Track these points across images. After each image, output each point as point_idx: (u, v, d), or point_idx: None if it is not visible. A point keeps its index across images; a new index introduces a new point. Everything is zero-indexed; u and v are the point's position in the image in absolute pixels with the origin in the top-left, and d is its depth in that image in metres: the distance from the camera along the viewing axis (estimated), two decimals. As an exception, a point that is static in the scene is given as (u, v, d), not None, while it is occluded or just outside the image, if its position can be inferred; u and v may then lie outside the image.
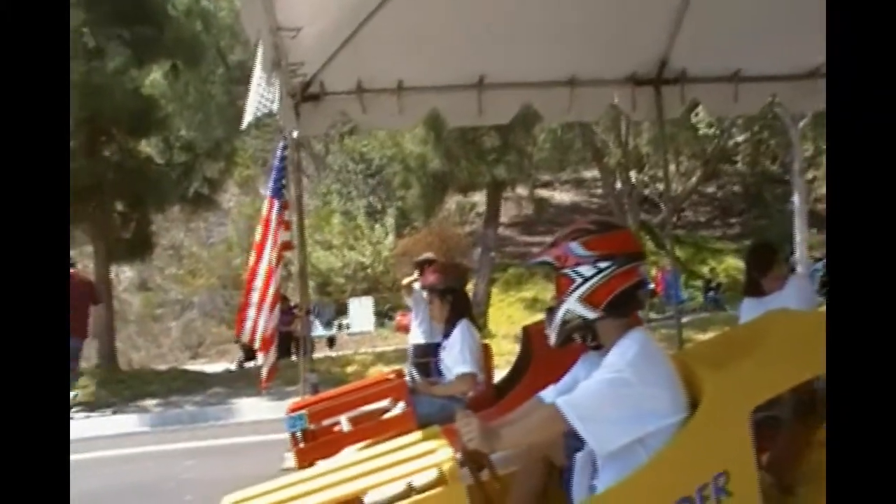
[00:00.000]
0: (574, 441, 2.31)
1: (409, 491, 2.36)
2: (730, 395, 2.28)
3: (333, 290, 18.73)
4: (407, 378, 5.04)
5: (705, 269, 19.91)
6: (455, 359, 4.63)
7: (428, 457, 2.28)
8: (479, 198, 18.38)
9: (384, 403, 4.68)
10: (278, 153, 6.58)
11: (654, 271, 17.92)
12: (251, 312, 6.20)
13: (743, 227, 23.82)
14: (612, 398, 2.20)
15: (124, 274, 17.65)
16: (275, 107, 5.04)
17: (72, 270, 10.57)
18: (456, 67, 5.75)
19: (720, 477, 2.24)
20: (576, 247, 2.36)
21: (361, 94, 5.79)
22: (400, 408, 4.49)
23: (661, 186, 24.11)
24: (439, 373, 5.00)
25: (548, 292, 17.95)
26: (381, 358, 13.03)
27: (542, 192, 25.05)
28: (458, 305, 4.86)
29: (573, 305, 2.35)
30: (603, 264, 2.33)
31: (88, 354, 14.27)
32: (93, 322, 10.63)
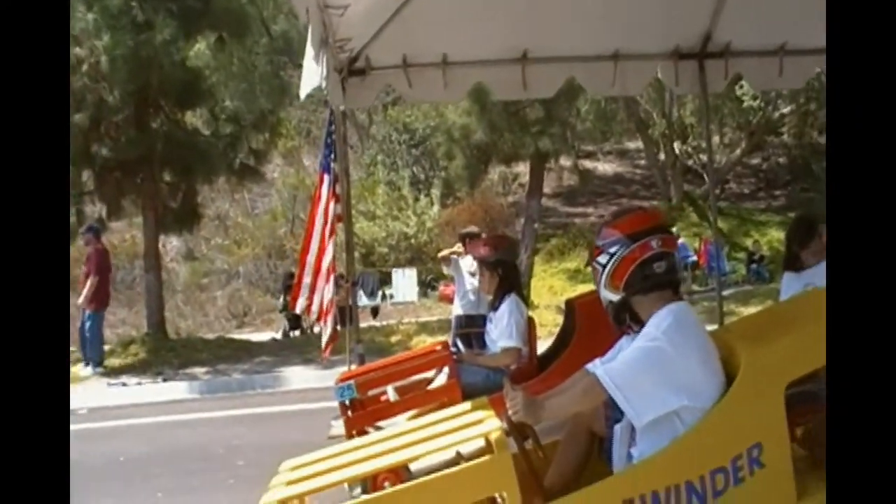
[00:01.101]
0: (614, 411, 2.41)
1: (458, 459, 2.48)
2: (765, 370, 2.35)
3: (377, 261, 18.90)
4: (452, 349, 5.17)
5: (749, 242, 19.64)
6: (501, 332, 4.74)
7: (476, 427, 2.40)
8: (522, 168, 18.33)
9: (430, 374, 4.85)
10: (327, 128, 6.70)
11: (696, 243, 17.76)
12: (306, 285, 6.35)
13: (788, 200, 23.40)
14: (648, 368, 2.30)
15: (171, 244, 18.01)
16: (323, 83, 5.15)
17: (92, 242, 10.95)
18: (500, 42, 5.81)
19: (754, 448, 2.32)
20: (599, 239, 2.52)
21: (407, 68, 5.90)
22: (445, 378, 4.64)
23: (704, 157, 23.85)
24: (482, 344, 5.12)
25: (590, 263, 17.97)
26: (424, 328, 13.19)
27: (586, 163, 24.85)
28: (507, 279, 4.96)
29: (603, 293, 2.52)
30: (612, 249, 2.47)
31: (139, 322, 14.73)
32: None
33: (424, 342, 10.90)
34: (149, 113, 12.28)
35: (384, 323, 14.89)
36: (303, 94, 5.24)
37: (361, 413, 4.49)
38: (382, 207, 19.77)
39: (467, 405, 2.70)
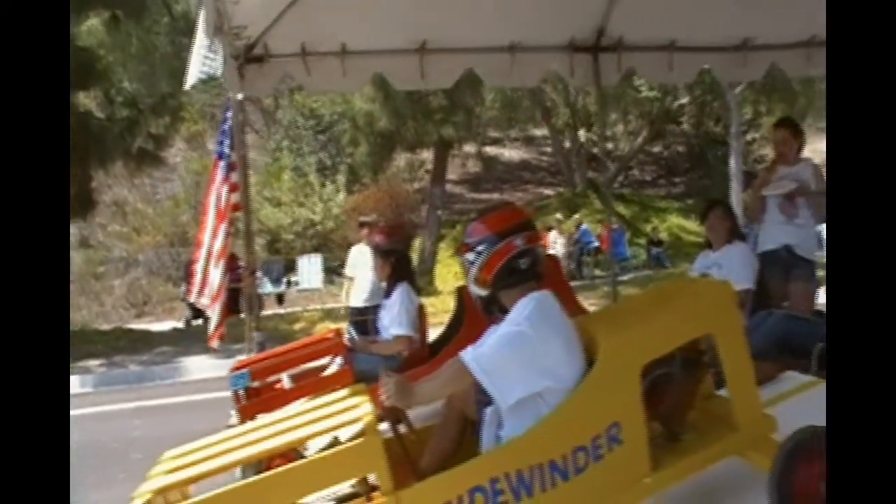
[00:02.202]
0: (484, 395, 2.53)
1: (336, 443, 2.57)
2: (621, 354, 2.51)
3: (283, 247, 18.69)
4: (346, 337, 5.24)
5: (650, 228, 20.33)
6: (393, 320, 4.83)
7: (350, 412, 2.49)
8: (428, 155, 18.46)
9: (325, 361, 4.90)
10: (224, 115, 6.64)
11: (599, 229, 18.28)
12: (199, 270, 6.31)
13: (687, 187, 24.30)
14: (512, 352, 2.43)
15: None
16: (219, 71, 5.11)
17: None
18: (399, 32, 5.87)
19: (613, 427, 2.48)
20: (466, 237, 2.66)
21: (305, 56, 5.90)
22: (338, 365, 4.71)
23: (608, 146, 24.53)
24: (378, 331, 5.21)
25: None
26: (329, 315, 13.17)
27: (492, 150, 25.21)
28: (399, 268, 5.04)
29: (472, 287, 2.66)
30: (480, 247, 2.60)
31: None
32: None
33: (328, 328, 10.92)
34: (37, 95, 11.77)
35: (289, 310, 14.80)
36: (189, 82, 5.20)
37: (255, 401, 4.51)
38: (288, 194, 19.54)
39: (346, 391, 2.79)
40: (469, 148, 23.39)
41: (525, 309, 2.49)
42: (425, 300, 11.06)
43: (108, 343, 11.85)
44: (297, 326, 12.19)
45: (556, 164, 24.79)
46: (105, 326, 13.89)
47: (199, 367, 10.26)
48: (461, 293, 5.10)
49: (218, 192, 6.22)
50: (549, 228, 17.23)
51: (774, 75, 7.58)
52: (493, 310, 2.63)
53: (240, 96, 6.35)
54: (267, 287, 15.77)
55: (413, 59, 6.07)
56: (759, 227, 5.63)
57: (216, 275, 6.14)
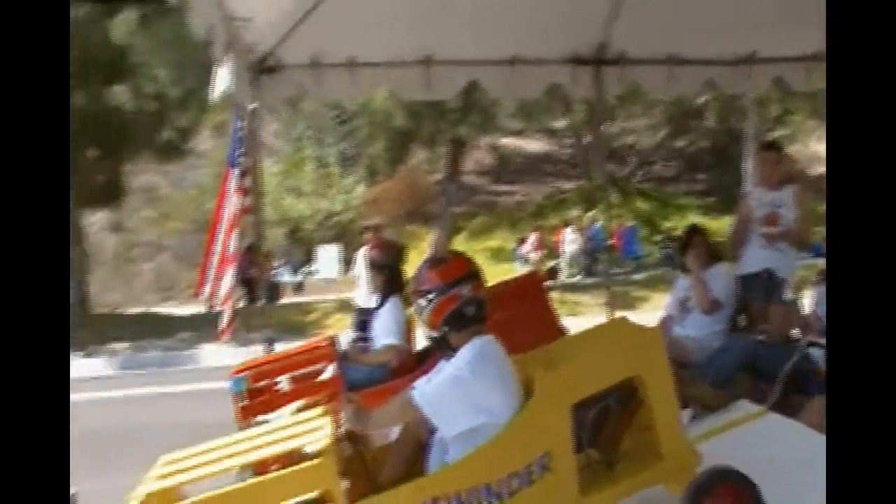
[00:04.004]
0: (432, 424, 2.90)
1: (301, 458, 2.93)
2: (554, 392, 2.84)
3: (304, 237, 19.18)
4: (345, 343, 5.61)
5: (669, 225, 20.35)
6: (383, 329, 5.19)
7: (313, 433, 2.86)
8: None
9: (320, 366, 5.28)
10: (235, 124, 7.01)
11: (612, 225, 18.41)
12: (210, 275, 6.71)
13: (709, 184, 24.22)
14: (452, 392, 2.79)
15: (97, 215, 17.95)
16: (232, 87, 5.45)
17: None
18: (405, 45, 6.15)
19: (543, 457, 2.82)
20: (417, 284, 2.97)
21: (316, 68, 6.26)
22: (330, 372, 5.09)
23: (629, 139, 24.58)
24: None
25: (512, 242, 18.53)
26: (344, 306, 13.56)
27: (514, 142, 25.39)
28: (391, 281, 5.38)
29: (423, 328, 2.98)
30: (430, 295, 2.91)
31: (62, 296, 14.77)
32: None
33: (341, 321, 11.33)
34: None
35: (307, 299, 15.24)
36: (215, 95, 5.55)
37: (252, 403, 4.90)
38: (310, 184, 19.98)
39: (319, 410, 3.16)
40: (490, 139, 23.62)
41: (468, 354, 2.84)
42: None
43: (134, 327, 12.40)
44: (311, 318, 12.61)
45: (576, 158, 24.88)
46: (133, 310, 14.43)
47: (215, 354, 10.68)
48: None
49: (230, 200, 6.61)
50: (567, 224, 17.43)
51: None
52: (443, 347, 2.98)
53: (252, 106, 6.73)
54: (286, 276, 16.25)
55: (419, 71, 6.35)
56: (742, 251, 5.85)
57: (227, 278, 6.53)
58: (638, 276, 15.19)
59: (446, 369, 2.87)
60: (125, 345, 11.49)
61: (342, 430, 2.93)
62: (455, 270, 2.96)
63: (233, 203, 6.61)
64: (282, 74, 6.30)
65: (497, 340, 2.96)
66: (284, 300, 15.84)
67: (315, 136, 21.96)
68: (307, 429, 2.93)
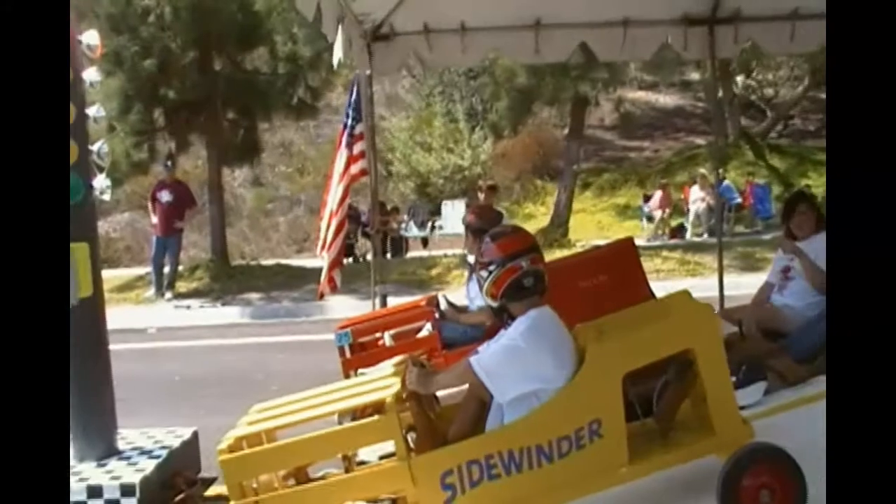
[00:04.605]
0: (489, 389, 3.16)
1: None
2: (604, 362, 3.05)
3: (432, 192, 19.67)
4: (443, 303, 5.93)
5: (805, 183, 19.41)
6: (479, 292, 5.46)
7: (382, 391, 3.18)
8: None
9: (420, 324, 5.63)
10: (351, 89, 7.43)
11: (744, 183, 17.80)
12: (322, 228, 7.22)
13: (855, 137, 22.78)
14: (507, 361, 3.05)
15: (239, 171, 19.00)
16: (342, 56, 5.78)
17: (172, 178, 12.11)
18: (514, 10, 6.32)
19: (594, 423, 3.03)
20: (481, 256, 3.24)
21: (428, 34, 6.51)
22: (428, 330, 5.43)
23: (768, 92, 23.44)
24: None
25: (639, 199, 18.26)
26: (465, 262, 13.92)
27: (646, 95, 24.79)
28: None
29: (485, 298, 3.25)
30: (492, 266, 3.17)
31: (206, 248, 15.97)
32: (187, 220, 12.37)
33: (460, 276, 11.67)
34: (211, 56, 13.17)
35: (432, 253, 15.72)
36: (335, 62, 5.91)
37: (356, 357, 5.32)
38: (439, 139, 20.36)
39: (389, 369, 3.48)
40: (623, 93, 23.14)
41: (521, 325, 3.08)
42: (557, 252, 11.59)
43: (268, 278, 13.24)
44: (434, 272, 13.01)
45: (710, 112, 23.98)
46: (269, 261, 15.34)
47: (342, 306, 11.29)
48: (543, 271, 5.64)
49: (345, 163, 7.04)
50: (694, 181, 17.02)
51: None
52: (503, 317, 3.21)
53: (368, 72, 7.08)
54: (413, 231, 16.78)
55: (528, 35, 6.51)
56: None
57: (333, 234, 7.01)
58: (767, 237, 14.62)
59: (502, 340, 3.11)
60: (259, 295, 12.30)
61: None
62: (515, 244, 3.20)
63: (346, 166, 7.05)
64: (395, 42, 6.63)
65: (552, 312, 3.17)
66: (412, 253, 16.45)
67: (445, 92, 22.27)
68: (380, 386, 3.25)
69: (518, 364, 3.04)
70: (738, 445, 3.05)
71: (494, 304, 3.21)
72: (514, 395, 3.06)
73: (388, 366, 3.89)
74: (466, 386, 3.37)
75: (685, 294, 3.38)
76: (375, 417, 3.02)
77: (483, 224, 5.76)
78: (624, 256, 5.41)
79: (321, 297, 7.67)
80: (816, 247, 5.21)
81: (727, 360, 4.06)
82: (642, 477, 3.08)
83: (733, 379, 3.92)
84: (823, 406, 3.73)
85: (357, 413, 3.51)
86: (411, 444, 3.17)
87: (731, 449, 3.04)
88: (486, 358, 3.09)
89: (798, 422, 3.67)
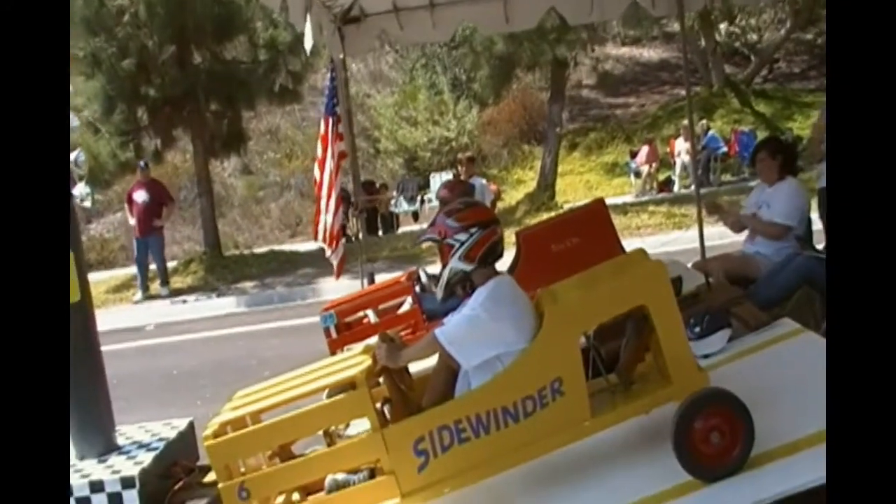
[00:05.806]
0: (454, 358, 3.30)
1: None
2: (562, 323, 3.18)
3: (421, 165, 19.74)
4: (423, 276, 6.07)
5: (791, 126, 19.40)
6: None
7: (352, 368, 3.33)
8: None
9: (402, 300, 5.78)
10: (328, 75, 7.52)
11: (729, 131, 17.84)
12: (322, 218, 7.35)
13: (840, 76, 22.69)
14: (469, 330, 3.19)
15: (228, 160, 19.09)
16: (311, 41, 5.86)
17: (147, 177, 12.21)
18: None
19: (556, 382, 3.18)
20: (451, 222, 3.30)
21: (398, 12, 6.61)
22: (409, 305, 5.59)
23: (752, 38, 23.32)
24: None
25: (626, 156, 18.31)
26: (457, 233, 14.03)
27: (630, 50, 24.71)
28: None
29: (456, 264, 3.32)
30: (473, 230, 3.27)
31: (200, 241, 16.10)
32: (165, 217, 12.40)
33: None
34: (190, 50, 13.23)
35: (422, 227, 15.82)
36: (307, 48, 5.98)
37: (341, 336, 5.47)
38: (424, 113, 20.39)
39: (362, 348, 3.63)
40: (607, 50, 23.10)
41: (481, 295, 3.22)
42: (545, 216, 11.67)
43: (261, 266, 13.40)
44: (425, 245, 13.08)
45: (694, 63, 23.91)
46: (261, 249, 15.47)
47: (334, 287, 11.41)
48: (519, 238, 5.77)
49: (332, 146, 7.15)
50: (679, 133, 17.07)
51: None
52: (464, 286, 3.34)
53: (341, 56, 7.17)
54: (402, 206, 16.89)
55: (497, 5, 6.61)
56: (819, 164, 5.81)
57: (333, 221, 7.13)
58: (753, 184, 14.65)
59: (464, 311, 3.25)
60: (253, 283, 12.45)
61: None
62: (486, 213, 3.37)
63: (335, 151, 7.16)
64: (366, 23, 6.72)
65: (511, 279, 3.31)
66: (403, 228, 16.57)
67: (428, 64, 22.25)
68: (353, 363, 3.40)
69: (480, 332, 3.18)
70: (692, 392, 3.19)
71: (469, 269, 3.31)
72: (478, 362, 3.21)
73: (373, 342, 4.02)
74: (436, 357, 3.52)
75: (640, 252, 3.52)
76: (348, 393, 3.18)
77: (456, 198, 5.90)
78: (596, 218, 5.52)
79: (337, 279, 7.85)
80: (779, 195, 5.35)
81: (696, 312, 4.26)
82: (605, 429, 3.23)
83: (697, 329, 4.13)
84: (779, 348, 3.96)
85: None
86: (388, 417, 3.32)
87: (685, 395, 3.18)
88: (450, 328, 3.24)
89: (753, 366, 3.82)
